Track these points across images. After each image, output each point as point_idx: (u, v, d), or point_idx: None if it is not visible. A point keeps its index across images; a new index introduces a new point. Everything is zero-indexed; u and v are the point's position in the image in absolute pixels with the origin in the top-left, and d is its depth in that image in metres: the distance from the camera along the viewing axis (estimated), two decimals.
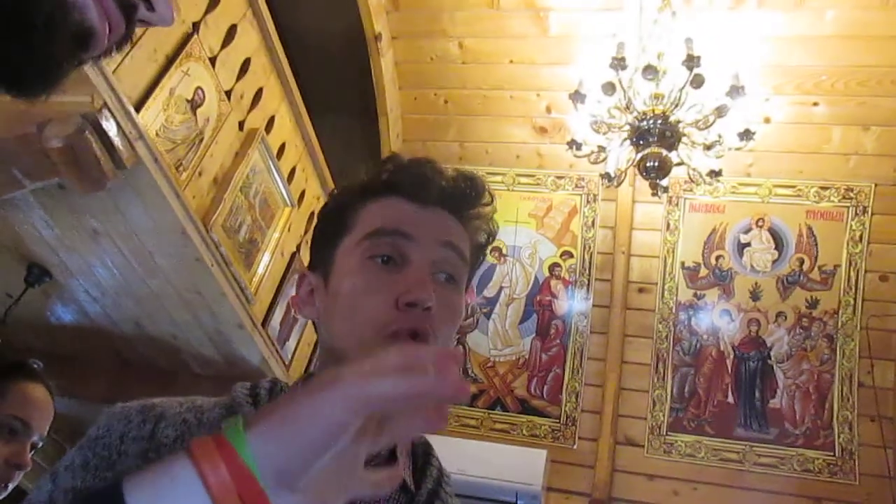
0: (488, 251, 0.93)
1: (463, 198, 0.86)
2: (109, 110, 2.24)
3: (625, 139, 3.43)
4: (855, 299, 4.10)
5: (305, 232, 3.72)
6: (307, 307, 0.87)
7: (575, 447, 4.24)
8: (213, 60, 2.80)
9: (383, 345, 0.75)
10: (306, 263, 0.92)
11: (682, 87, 3.26)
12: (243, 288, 3.08)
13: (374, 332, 0.76)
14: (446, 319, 0.80)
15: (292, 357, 3.67)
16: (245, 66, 3.04)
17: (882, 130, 4.00)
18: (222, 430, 0.49)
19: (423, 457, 0.86)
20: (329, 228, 0.87)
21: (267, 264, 3.30)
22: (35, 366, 3.09)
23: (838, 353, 4.07)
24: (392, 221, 0.82)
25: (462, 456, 3.61)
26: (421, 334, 0.76)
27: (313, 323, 0.90)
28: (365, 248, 0.81)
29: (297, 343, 3.73)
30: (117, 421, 0.78)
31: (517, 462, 3.93)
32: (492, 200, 0.89)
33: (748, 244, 4.29)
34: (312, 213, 3.79)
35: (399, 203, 0.84)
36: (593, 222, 4.51)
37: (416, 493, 0.81)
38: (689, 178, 3.54)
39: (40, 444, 1.69)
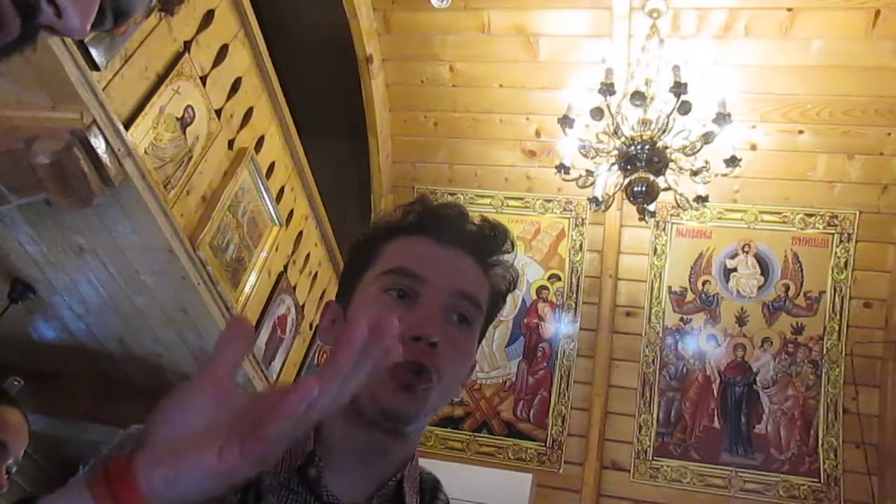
0: (509, 299, 0.95)
1: (485, 242, 0.88)
2: (98, 127, 2.23)
3: (612, 164, 3.45)
4: (840, 326, 4.12)
5: (293, 252, 3.70)
6: (328, 335, 0.90)
7: (561, 471, 4.22)
8: (203, 79, 2.80)
9: (385, 376, 0.76)
10: (334, 296, 0.95)
11: (670, 114, 3.29)
12: (229, 307, 3.06)
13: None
14: (453, 359, 0.81)
15: (277, 377, 3.64)
16: (236, 86, 3.04)
17: (866, 159, 4.05)
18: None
19: (430, 492, 0.88)
20: (355, 262, 0.91)
21: (253, 284, 3.28)
22: (15, 383, 3.06)
23: (823, 379, 4.08)
24: (410, 261, 0.84)
25: (447, 479, 3.56)
26: (423, 369, 0.77)
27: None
28: (382, 283, 0.83)
29: (283, 363, 3.70)
30: (126, 444, 0.75)
31: (503, 486, 3.91)
32: (513, 248, 0.92)
33: (734, 269, 4.32)
34: (301, 233, 3.78)
35: (421, 242, 0.86)
36: (581, 246, 4.52)
37: None
38: (676, 203, 3.56)
39: (14, 469, 1.69)
